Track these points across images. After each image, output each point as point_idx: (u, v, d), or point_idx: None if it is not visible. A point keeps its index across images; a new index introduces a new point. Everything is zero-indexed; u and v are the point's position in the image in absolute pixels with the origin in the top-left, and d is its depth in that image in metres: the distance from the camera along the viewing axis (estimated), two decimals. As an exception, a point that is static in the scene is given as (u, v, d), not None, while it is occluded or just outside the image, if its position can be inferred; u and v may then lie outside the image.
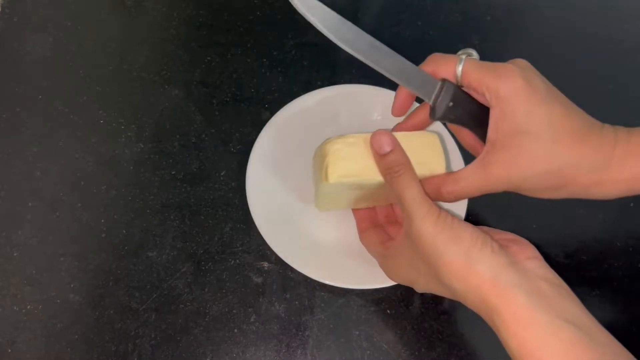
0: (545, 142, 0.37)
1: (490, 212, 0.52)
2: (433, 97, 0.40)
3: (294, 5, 0.37)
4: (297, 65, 0.59)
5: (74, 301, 0.48)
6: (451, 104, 0.40)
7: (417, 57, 0.41)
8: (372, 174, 0.41)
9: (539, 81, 0.38)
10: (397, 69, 0.40)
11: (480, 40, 0.61)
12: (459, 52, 0.40)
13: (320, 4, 0.37)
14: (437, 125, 0.51)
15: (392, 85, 0.47)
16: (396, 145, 0.40)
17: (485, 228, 0.39)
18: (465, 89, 0.41)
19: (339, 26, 0.38)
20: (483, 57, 0.41)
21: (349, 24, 0.38)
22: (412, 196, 0.37)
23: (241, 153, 0.54)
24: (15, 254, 0.50)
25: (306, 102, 0.53)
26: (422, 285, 0.40)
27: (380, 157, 0.40)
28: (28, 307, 0.48)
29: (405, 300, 0.48)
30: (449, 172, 0.41)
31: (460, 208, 0.48)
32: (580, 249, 0.50)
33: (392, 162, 0.39)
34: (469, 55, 0.40)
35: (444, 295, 0.39)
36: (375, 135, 0.40)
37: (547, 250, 0.50)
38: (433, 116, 0.41)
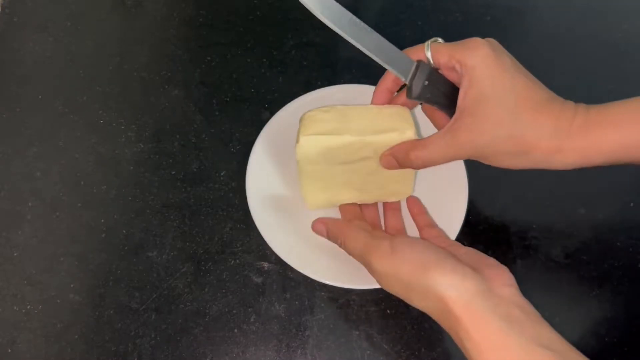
0: (508, 107, 0.38)
1: (491, 212, 0.52)
2: (410, 76, 0.42)
3: None
4: (297, 65, 0.59)
5: (74, 301, 0.48)
6: (426, 82, 0.41)
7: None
8: (345, 132, 0.43)
9: (506, 55, 0.40)
10: (376, 46, 0.41)
11: (480, 40, 0.61)
12: (427, 41, 0.42)
13: None
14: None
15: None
16: (328, 226, 0.46)
17: (466, 249, 0.41)
18: (439, 71, 0.42)
19: (322, 1, 0.39)
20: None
21: (332, 1, 0.39)
22: (360, 248, 0.41)
23: (241, 153, 0.54)
24: (15, 254, 0.50)
25: (306, 102, 0.53)
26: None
27: (326, 238, 0.46)
28: (28, 307, 0.48)
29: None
30: (419, 138, 0.43)
31: (460, 207, 0.48)
32: (580, 249, 0.50)
33: (332, 238, 0.45)
34: (435, 40, 0.42)
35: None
36: (312, 227, 0.47)
37: (547, 250, 0.50)
38: (410, 95, 0.42)
